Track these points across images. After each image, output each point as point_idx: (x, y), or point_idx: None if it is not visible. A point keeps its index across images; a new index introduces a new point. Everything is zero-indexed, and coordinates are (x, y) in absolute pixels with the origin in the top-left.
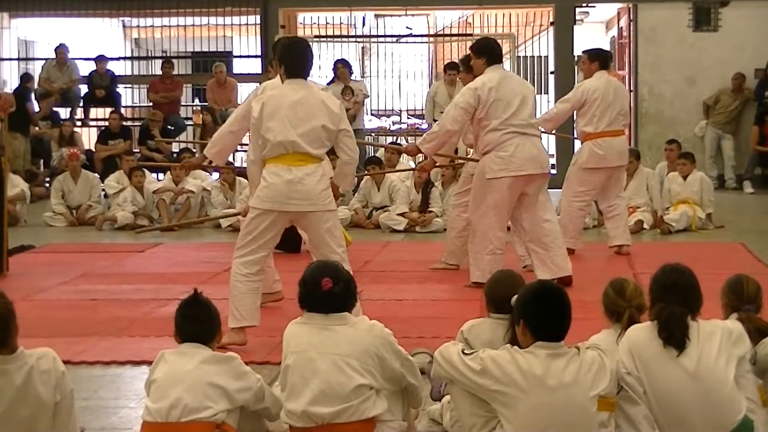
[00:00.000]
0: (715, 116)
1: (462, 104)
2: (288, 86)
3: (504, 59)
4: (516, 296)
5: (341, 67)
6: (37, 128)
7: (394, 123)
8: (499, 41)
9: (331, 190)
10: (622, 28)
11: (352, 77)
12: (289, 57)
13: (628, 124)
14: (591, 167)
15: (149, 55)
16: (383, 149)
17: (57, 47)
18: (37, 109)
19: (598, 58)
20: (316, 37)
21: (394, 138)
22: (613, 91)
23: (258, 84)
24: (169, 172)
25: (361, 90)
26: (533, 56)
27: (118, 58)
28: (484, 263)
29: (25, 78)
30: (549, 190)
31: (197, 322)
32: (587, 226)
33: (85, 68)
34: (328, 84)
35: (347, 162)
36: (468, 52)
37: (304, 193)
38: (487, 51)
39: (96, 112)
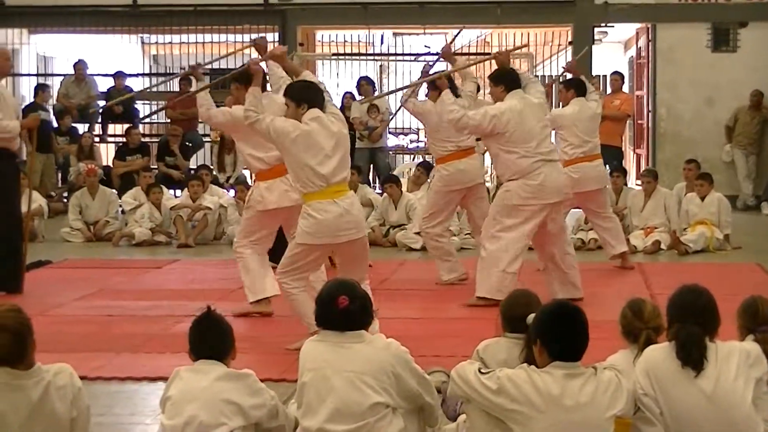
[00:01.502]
0: (738, 138)
1: (474, 122)
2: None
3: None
4: (532, 315)
5: (365, 85)
6: (56, 144)
7: (411, 141)
8: (517, 61)
9: None
10: (640, 48)
11: (375, 95)
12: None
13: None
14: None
15: (167, 71)
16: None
17: (75, 63)
18: (55, 125)
19: (575, 86)
20: (334, 55)
21: (411, 156)
22: (588, 117)
23: None
24: (186, 189)
25: (386, 107)
26: (551, 75)
27: (137, 75)
28: (492, 280)
29: (39, 89)
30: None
31: (210, 339)
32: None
33: (104, 84)
34: (353, 102)
35: None
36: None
37: (354, 222)
38: (505, 79)
39: (114, 128)
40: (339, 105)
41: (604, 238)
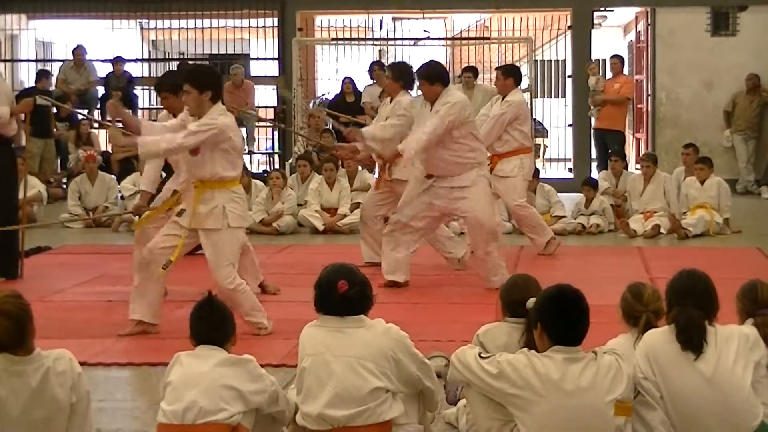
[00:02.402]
0: (737, 122)
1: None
2: None
3: (521, 63)
4: (532, 300)
5: (377, 69)
6: (54, 130)
7: None
8: (517, 45)
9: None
10: (640, 32)
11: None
12: None
13: None
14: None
15: (166, 56)
16: None
17: (74, 49)
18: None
19: (512, 74)
20: (333, 39)
21: None
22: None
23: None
24: None
25: None
26: (551, 60)
27: (135, 60)
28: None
29: (40, 75)
30: (569, 194)
31: (211, 324)
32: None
33: (103, 70)
34: (366, 87)
35: None
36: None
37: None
38: (516, 73)
39: None
40: (339, 90)
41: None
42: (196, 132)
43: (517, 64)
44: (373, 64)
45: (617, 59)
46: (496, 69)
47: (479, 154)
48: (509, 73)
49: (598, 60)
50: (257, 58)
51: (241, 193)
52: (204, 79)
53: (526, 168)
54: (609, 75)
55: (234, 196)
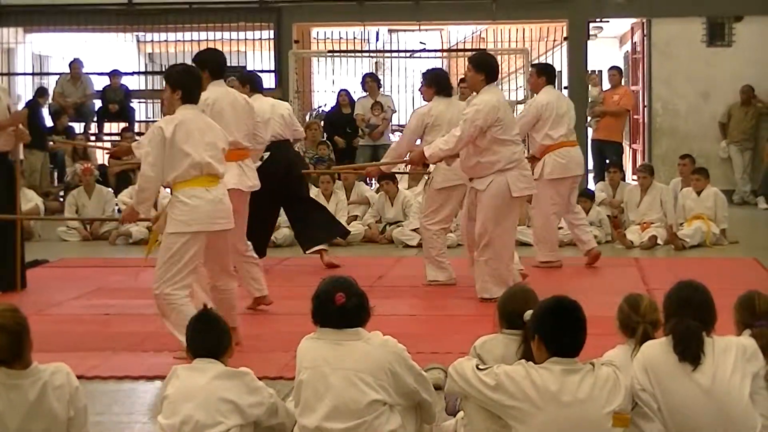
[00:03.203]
0: (732, 134)
1: (480, 123)
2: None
3: (517, 74)
4: (529, 312)
5: (370, 81)
6: (51, 143)
7: None
8: (513, 56)
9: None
10: (636, 42)
11: (381, 92)
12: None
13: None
14: (556, 177)
15: (163, 69)
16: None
17: (71, 62)
18: (50, 123)
19: (545, 73)
20: (329, 52)
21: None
22: (565, 104)
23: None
24: None
25: (389, 105)
26: None
27: (132, 73)
28: (501, 277)
29: (39, 92)
30: None
31: (208, 337)
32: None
33: (99, 83)
34: (359, 99)
35: None
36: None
37: (226, 211)
38: (548, 72)
39: (110, 127)
40: (334, 102)
41: (577, 233)
42: (140, 143)
43: (513, 75)
44: (365, 76)
45: (616, 70)
46: (531, 66)
47: (503, 159)
48: (542, 72)
49: (600, 71)
50: (253, 71)
51: (188, 195)
52: (177, 78)
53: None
54: (607, 86)
55: (176, 200)
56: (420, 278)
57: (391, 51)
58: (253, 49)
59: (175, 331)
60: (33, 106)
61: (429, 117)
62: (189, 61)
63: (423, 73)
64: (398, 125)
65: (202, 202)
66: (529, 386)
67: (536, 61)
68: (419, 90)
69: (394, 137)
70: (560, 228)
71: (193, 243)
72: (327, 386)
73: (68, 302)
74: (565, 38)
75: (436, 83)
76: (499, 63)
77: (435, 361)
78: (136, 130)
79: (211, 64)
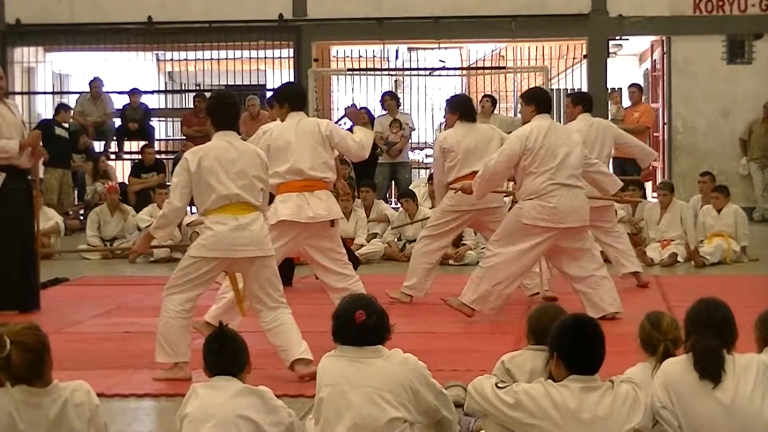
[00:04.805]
0: (753, 151)
1: (507, 152)
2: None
3: None
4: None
5: (389, 99)
6: (72, 161)
7: (427, 156)
8: (533, 74)
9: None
10: (655, 60)
11: (400, 110)
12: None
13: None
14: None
15: (183, 88)
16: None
17: (91, 81)
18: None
19: (581, 102)
20: (349, 70)
21: (428, 170)
22: (594, 132)
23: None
24: None
25: (407, 123)
26: (566, 89)
27: (152, 92)
28: (481, 291)
29: (59, 108)
30: None
31: (225, 355)
32: None
33: (119, 102)
34: (378, 117)
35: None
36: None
37: (251, 238)
38: (537, 99)
39: (129, 146)
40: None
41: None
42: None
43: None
44: (384, 94)
45: (636, 88)
46: (567, 96)
47: (523, 191)
48: (578, 101)
49: (620, 89)
50: (273, 89)
51: (213, 221)
52: (210, 105)
53: None
54: (627, 103)
55: (204, 226)
56: (440, 295)
57: (410, 69)
58: (272, 67)
59: (158, 335)
60: (47, 125)
61: (446, 143)
62: (208, 80)
63: (447, 101)
64: (416, 143)
65: (225, 228)
66: (548, 404)
67: (555, 79)
68: (443, 117)
69: (413, 155)
70: None
71: (208, 263)
72: (347, 404)
73: (88, 320)
74: (585, 56)
75: (459, 108)
76: (518, 81)
77: (455, 379)
78: (156, 148)
79: (291, 97)
